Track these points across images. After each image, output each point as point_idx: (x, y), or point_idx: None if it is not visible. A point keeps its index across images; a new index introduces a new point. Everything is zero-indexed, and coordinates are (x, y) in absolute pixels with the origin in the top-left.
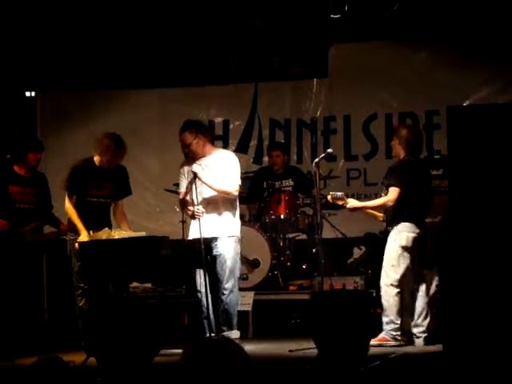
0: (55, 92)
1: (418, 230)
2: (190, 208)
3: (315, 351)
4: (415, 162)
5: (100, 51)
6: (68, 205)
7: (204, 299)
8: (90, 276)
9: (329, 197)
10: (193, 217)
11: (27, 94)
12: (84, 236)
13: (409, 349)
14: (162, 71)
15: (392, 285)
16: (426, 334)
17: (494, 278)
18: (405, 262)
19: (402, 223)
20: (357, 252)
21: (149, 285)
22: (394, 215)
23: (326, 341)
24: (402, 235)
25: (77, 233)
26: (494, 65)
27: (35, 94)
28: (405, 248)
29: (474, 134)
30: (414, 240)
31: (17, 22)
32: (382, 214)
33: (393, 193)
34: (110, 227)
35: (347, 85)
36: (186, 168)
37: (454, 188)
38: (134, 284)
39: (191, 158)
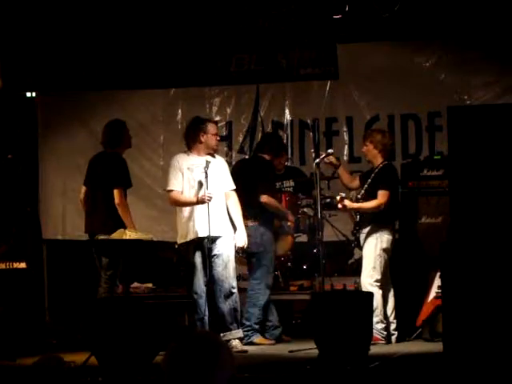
0: (56, 92)
1: (393, 233)
2: (201, 192)
3: (316, 351)
4: (394, 167)
5: (101, 51)
6: (123, 201)
7: (201, 300)
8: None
9: (338, 197)
10: (202, 201)
11: (28, 94)
12: (134, 231)
13: (408, 349)
14: (166, 72)
15: (375, 285)
16: (396, 332)
17: (495, 278)
18: (385, 264)
19: (383, 226)
20: (358, 253)
21: (150, 285)
22: (375, 218)
23: (326, 341)
24: (383, 238)
25: (106, 233)
26: (495, 67)
27: (36, 95)
28: (385, 250)
29: (475, 134)
30: (392, 242)
31: (18, 22)
32: (353, 216)
33: (384, 196)
34: None
35: (349, 86)
36: (185, 163)
37: (454, 188)
38: (135, 284)
39: (192, 153)
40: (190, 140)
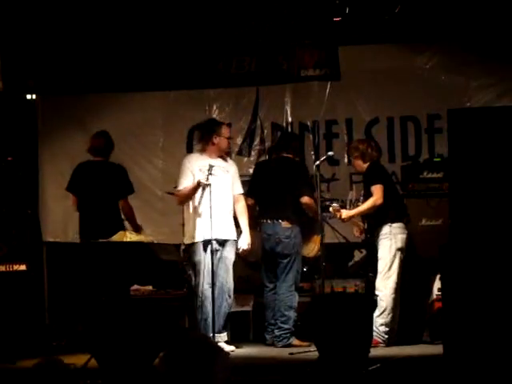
0: (56, 95)
1: (407, 231)
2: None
3: (316, 354)
4: (379, 164)
5: (101, 53)
6: (131, 208)
7: (206, 301)
8: (91, 278)
9: (331, 209)
10: (198, 184)
11: (28, 97)
12: (134, 233)
13: (408, 352)
14: (166, 74)
15: (389, 287)
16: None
17: (496, 281)
18: (400, 264)
19: (394, 224)
20: (358, 255)
21: (150, 287)
22: (382, 217)
23: (326, 343)
24: (397, 237)
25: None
26: (495, 70)
27: (36, 97)
28: (400, 250)
29: (475, 136)
30: (407, 241)
31: (18, 25)
32: (360, 224)
33: (377, 190)
34: None
35: (348, 88)
36: (196, 164)
37: (454, 190)
38: (135, 286)
39: (204, 155)
40: (203, 141)
